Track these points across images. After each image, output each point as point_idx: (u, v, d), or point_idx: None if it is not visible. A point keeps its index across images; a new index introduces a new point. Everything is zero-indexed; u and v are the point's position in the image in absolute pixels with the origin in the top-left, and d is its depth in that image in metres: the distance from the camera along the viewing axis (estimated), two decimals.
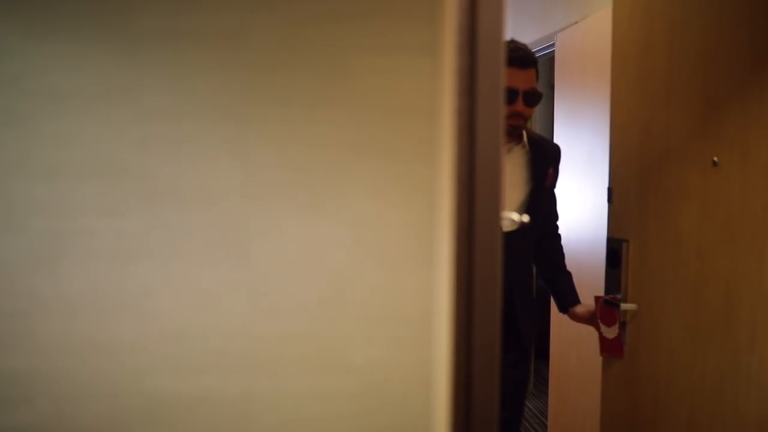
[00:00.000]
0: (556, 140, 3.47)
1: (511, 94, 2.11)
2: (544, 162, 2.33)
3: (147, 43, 0.97)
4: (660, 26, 2.48)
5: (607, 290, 2.46)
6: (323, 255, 1.02)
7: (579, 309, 2.53)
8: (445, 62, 1.01)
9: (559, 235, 2.56)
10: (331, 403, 1.03)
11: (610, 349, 2.47)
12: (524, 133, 2.32)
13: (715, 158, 2.46)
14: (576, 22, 3.19)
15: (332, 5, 0.99)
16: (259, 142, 0.99)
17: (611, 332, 2.49)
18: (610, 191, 2.46)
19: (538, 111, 4.26)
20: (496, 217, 1.31)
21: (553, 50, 3.50)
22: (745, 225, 2.39)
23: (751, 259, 2.39)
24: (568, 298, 2.53)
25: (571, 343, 3.48)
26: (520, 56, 2.14)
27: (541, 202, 2.35)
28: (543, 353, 4.40)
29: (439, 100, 1.02)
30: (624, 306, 2.41)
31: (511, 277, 2.27)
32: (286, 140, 1.00)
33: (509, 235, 2.20)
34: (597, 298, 2.47)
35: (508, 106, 2.12)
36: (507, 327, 2.26)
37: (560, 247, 2.54)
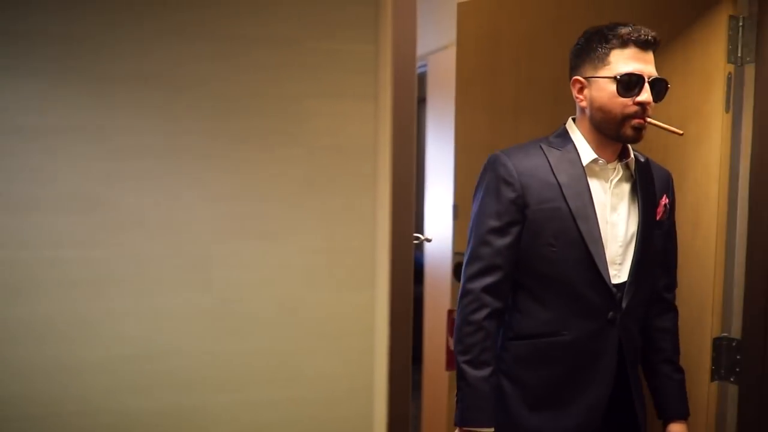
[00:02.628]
0: (429, 155, 3.74)
1: (633, 82, 1.56)
2: (654, 188, 1.73)
3: (116, 85, 1.08)
4: (507, 55, 2.75)
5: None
6: (278, 279, 1.17)
7: (679, 429, 1.79)
8: (385, 107, 1.20)
9: (676, 310, 1.85)
10: (285, 411, 1.18)
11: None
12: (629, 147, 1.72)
13: None
14: (446, 47, 3.47)
15: (286, 56, 1.14)
16: (220, 177, 1.13)
17: None
18: (456, 207, 2.71)
19: None
20: (409, 237, 1.51)
21: (425, 69, 3.79)
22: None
23: None
24: (672, 407, 1.80)
25: (443, 348, 3.73)
26: (639, 32, 1.59)
27: (655, 243, 1.73)
28: (416, 359, 4.64)
29: (379, 140, 1.20)
30: None
31: (626, 341, 1.70)
32: (245, 176, 1.14)
33: (613, 293, 1.65)
34: (449, 312, 2.69)
35: (629, 98, 1.58)
36: (617, 409, 1.74)
37: (677, 331, 1.85)
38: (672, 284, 1.82)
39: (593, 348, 1.65)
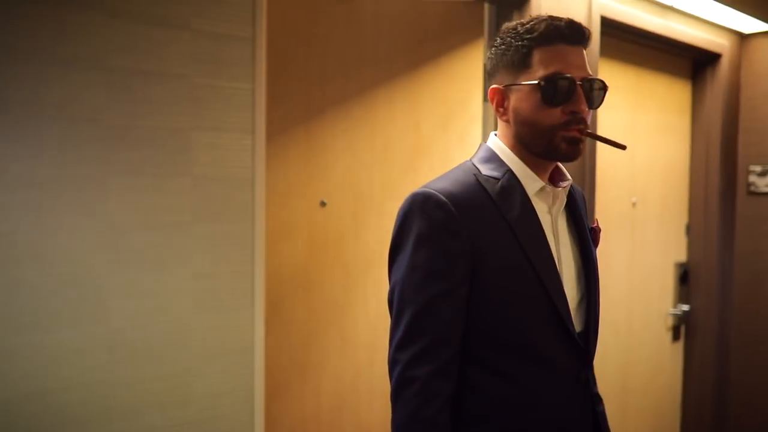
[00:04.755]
0: None
1: (561, 86, 1.29)
2: (582, 212, 1.48)
3: (11, 114, 1.12)
4: None
5: None
6: (170, 304, 1.27)
7: None
8: (260, 140, 1.36)
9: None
10: None
11: None
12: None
13: (324, 199, 2.95)
14: None
15: (176, 90, 1.26)
16: (115, 207, 1.21)
17: None
18: None
19: None
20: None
21: None
22: (359, 258, 2.97)
23: (367, 285, 2.97)
24: None
25: None
26: (566, 26, 1.30)
27: (596, 276, 1.47)
28: None
29: (256, 170, 1.36)
30: None
31: (596, 401, 1.42)
32: (138, 206, 1.23)
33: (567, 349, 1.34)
34: None
35: (559, 106, 1.28)
36: None
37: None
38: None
39: (566, 417, 1.36)
